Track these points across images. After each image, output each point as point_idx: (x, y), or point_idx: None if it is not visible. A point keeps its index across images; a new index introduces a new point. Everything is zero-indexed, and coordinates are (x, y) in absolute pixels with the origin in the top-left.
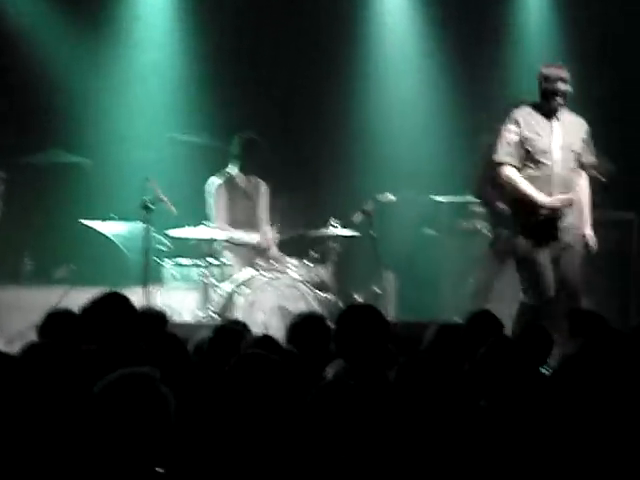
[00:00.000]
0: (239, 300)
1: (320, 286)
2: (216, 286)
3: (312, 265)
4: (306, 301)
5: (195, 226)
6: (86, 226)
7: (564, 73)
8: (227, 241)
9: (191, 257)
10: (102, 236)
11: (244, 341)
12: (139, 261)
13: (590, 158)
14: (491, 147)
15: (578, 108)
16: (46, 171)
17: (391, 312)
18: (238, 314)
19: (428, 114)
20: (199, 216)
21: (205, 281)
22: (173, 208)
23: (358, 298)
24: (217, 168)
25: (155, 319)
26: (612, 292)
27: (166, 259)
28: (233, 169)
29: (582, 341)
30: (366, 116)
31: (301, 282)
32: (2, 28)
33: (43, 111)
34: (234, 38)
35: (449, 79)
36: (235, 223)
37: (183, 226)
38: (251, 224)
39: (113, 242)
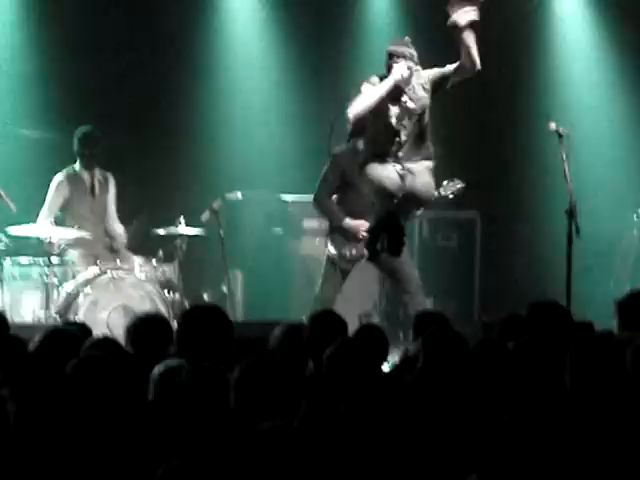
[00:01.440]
0: (82, 300)
1: (166, 285)
2: (59, 285)
3: (158, 264)
4: (151, 301)
5: (30, 223)
6: None
7: (408, 50)
8: (69, 238)
9: (32, 255)
10: None
11: (84, 342)
12: None
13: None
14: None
15: None
16: None
17: (239, 312)
18: (80, 314)
19: (278, 112)
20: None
21: (47, 280)
22: (12, 205)
23: (205, 298)
24: (64, 163)
25: None
26: (456, 291)
27: (6, 257)
28: (77, 164)
29: (422, 341)
30: (217, 113)
31: (146, 281)
32: None
33: None
34: (77, 29)
35: (298, 76)
36: (81, 219)
37: (25, 223)
38: (100, 219)
39: None
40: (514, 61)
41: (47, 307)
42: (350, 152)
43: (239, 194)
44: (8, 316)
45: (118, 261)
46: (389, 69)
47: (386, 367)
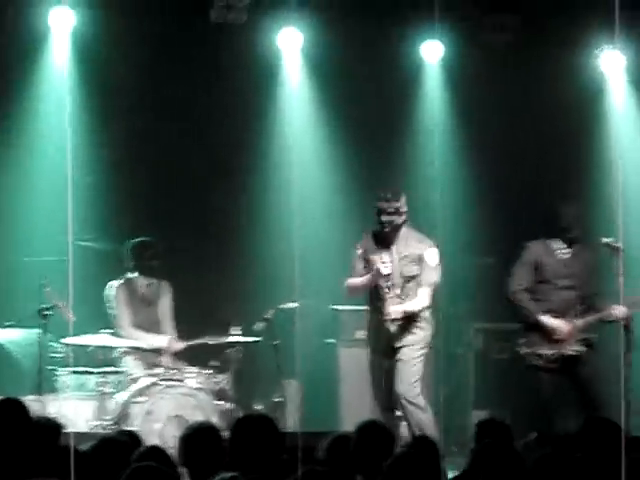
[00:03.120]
0: (135, 409)
1: (219, 395)
2: (113, 394)
3: (211, 373)
4: (204, 410)
5: (94, 333)
6: None
7: (390, 205)
8: (128, 347)
9: (88, 365)
10: None
11: (134, 452)
12: (34, 369)
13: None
14: None
15: None
16: None
17: (292, 422)
18: (135, 424)
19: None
20: (98, 323)
21: (101, 390)
22: (71, 315)
23: (258, 407)
24: (117, 273)
25: (49, 429)
26: (512, 404)
27: (62, 367)
28: (131, 273)
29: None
30: (273, 228)
31: (200, 391)
32: None
33: None
34: (133, 143)
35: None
36: (137, 328)
37: (82, 333)
38: (154, 329)
39: (7, 350)
40: None
41: (102, 417)
42: (542, 242)
43: (293, 304)
44: (63, 425)
45: (172, 371)
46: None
47: None
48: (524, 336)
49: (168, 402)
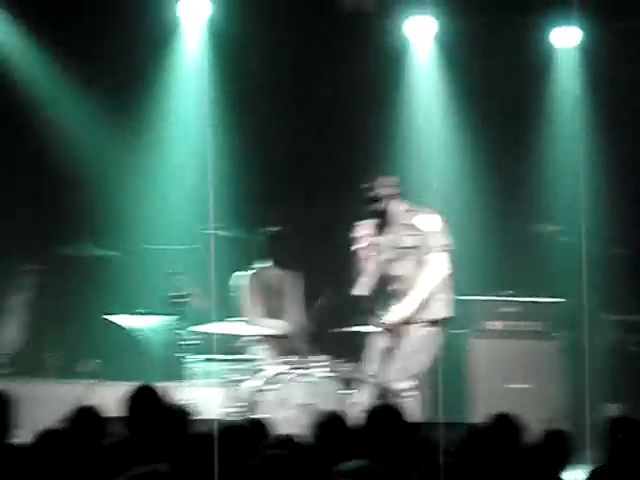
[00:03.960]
0: (266, 396)
1: (350, 384)
2: (243, 382)
3: (342, 361)
4: (334, 399)
5: (222, 321)
6: (111, 321)
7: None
8: (254, 335)
9: (219, 352)
10: (127, 330)
11: (265, 440)
12: (165, 356)
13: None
14: None
15: None
16: (75, 263)
17: (423, 412)
18: (265, 411)
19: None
20: (226, 311)
21: (231, 377)
22: (201, 302)
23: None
24: (244, 262)
25: (179, 415)
26: None
27: (192, 354)
28: (262, 263)
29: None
30: None
31: (330, 379)
32: (35, 112)
33: (74, 201)
34: (262, 131)
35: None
36: (267, 316)
37: (210, 321)
38: (286, 317)
39: (138, 337)
40: None
41: (232, 404)
42: None
43: None
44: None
45: (303, 358)
46: None
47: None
48: None
49: (299, 390)
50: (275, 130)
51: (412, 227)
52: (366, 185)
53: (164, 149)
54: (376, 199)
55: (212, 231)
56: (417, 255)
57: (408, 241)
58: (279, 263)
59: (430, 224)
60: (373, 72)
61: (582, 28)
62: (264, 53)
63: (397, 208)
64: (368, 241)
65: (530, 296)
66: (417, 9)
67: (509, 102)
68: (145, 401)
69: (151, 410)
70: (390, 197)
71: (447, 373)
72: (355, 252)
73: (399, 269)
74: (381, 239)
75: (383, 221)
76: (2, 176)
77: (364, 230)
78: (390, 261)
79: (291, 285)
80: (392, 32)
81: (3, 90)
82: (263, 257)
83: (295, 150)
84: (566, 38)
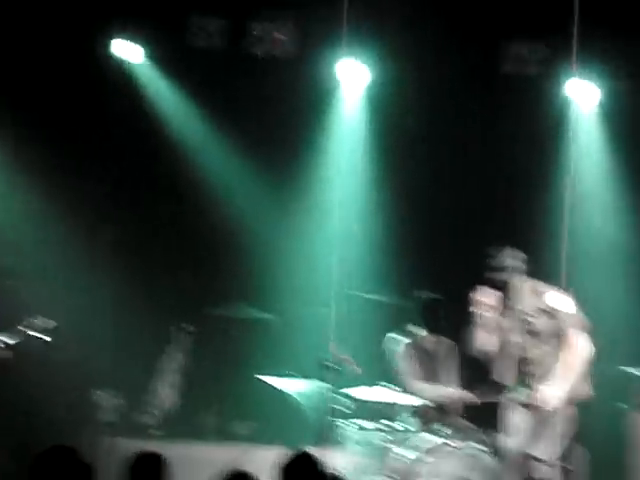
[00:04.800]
0: (422, 469)
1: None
2: (395, 451)
3: (492, 432)
4: (489, 473)
5: (371, 386)
6: (266, 383)
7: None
8: (413, 404)
9: (371, 419)
10: (282, 393)
11: None
12: (317, 421)
13: None
14: None
15: None
16: (232, 325)
17: None
18: None
19: None
20: (377, 375)
21: (385, 445)
22: (357, 368)
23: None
24: (394, 326)
25: None
26: None
27: (346, 420)
28: (417, 329)
29: None
30: None
31: (483, 452)
32: (199, 175)
33: (233, 265)
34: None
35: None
36: (422, 385)
37: (360, 386)
38: (440, 387)
39: (293, 400)
40: None
41: (384, 472)
42: None
43: None
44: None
45: (455, 429)
46: None
47: None
48: None
49: (455, 463)
50: (428, 190)
51: (543, 308)
52: (492, 253)
53: (322, 213)
54: (500, 269)
55: (361, 294)
56: (554, 337)
57: (542, 323)
58: (434, 330)
59: (563, 304)
60: (535, 129)
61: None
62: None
63: (521, 283)
64: (493, 311)
65: None
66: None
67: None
68: (302, 469)
69: (308, 478)
70: (515, 270)
71: (608, 448)
72: (474, 314)
73: (535, 352)
74: (507, 319)
75: (505, 293)
76: (166, 238)
77: (488, 298)
78: (523, 344)
79: (446, 353)
80: (554, 92)
81: (171, 154)
82: (414, 323)
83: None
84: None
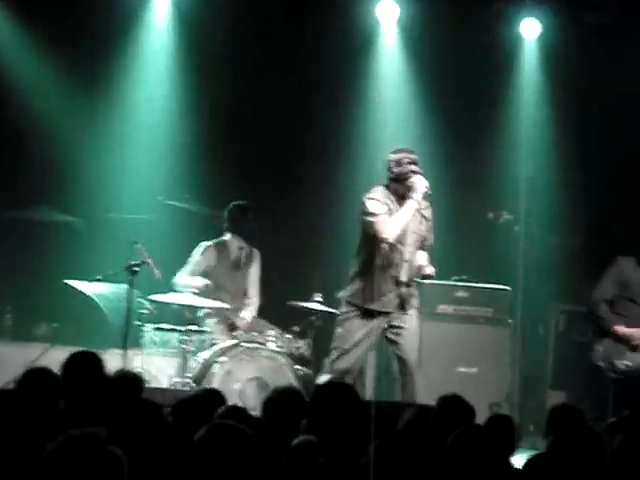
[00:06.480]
0: (217, 369)
1: (299, 360)
2: (195, 353)
3: (293, 338)
4: (283, 374)
5: (175, 291)
6: (69, 286)
7: (415, 156)
8: (211, 308)
9: (173, 323)
10: (86, 296)
11: (216, 411)
12: (121, 323)
13: (431, 238)
14: None
15: None
16: (33, 227)
17: (369, 391)
18: (214, 383)
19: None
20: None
21: (185, 348)
22: (158, 272)
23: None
24: (210, 235)
25: (131, 383)
26: (590, 388)
27: (148, 323)
28: (225, 236)
29: (553, 439)
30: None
31: (280, 354)
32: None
33: (33, 166)
34: (230, 103)
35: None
36: (222, 289)
37: (169, 291)
38: (240, 292)
39: (96, 303)
40: None
41: (183, 374)
42: (631, 259)
43: None
44: (146, 380)
45: (254, 333)
46: (399, 178)
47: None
48: (599, 346)
49: (248, 364)
50: (240, 104)
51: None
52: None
53: (128, 121)
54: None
55: (172, 202)
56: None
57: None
58: (241, 235)
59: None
60: (341, 53)
61: (543, 21)
62: (228, 27)
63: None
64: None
65: (483, 282)
66: None
67: (472, 91)
68: (82, 367)
69: (90, 376)
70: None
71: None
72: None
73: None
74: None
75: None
76: None
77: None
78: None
79: (250, 262)
80: (361, 14)
81: None
82: (226, 230)
83: (257, 120)
84: (532, 29)
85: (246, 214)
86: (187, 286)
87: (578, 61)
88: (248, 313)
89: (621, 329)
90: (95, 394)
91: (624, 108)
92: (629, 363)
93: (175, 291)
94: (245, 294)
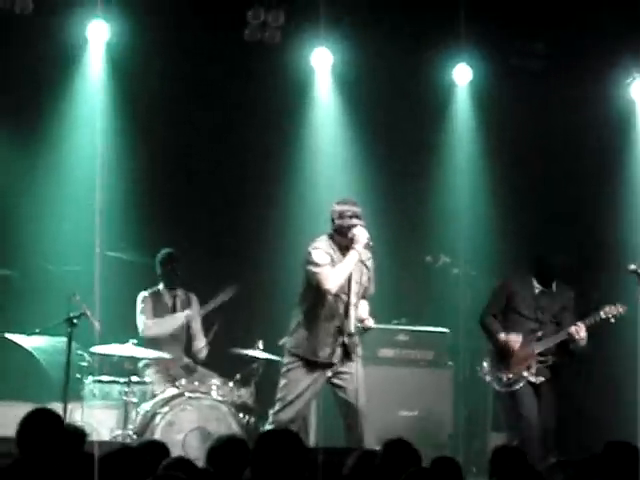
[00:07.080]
0: (159, 420)
1: (242, 408)
2: (137, 404)
3: (235, 386)
4: (226, 423)
5: (122, 343)
6: (9, 340)
7: (358, 209)
8: (152, 359)
9: (113, 375)
10: (25, 350)
11: (161, 462)
12: (61, 377)
13: (372, 288)
14: None
15: None
16: None
17: (312, 438)
18: (157, 434)
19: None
20: (126, 333)
21: (126, 399)
22: (97, 324)
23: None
24: (147, 285)
25: (74, 436)
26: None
27: (88, 376)
28: (159, 285)
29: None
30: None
31: (223, 403)
32: None
33: None
34: (165, 149)
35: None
36: (159, 339)
37: (109, 343)
38: (179, 339)
39: (35, 357)
40: None
41: (125, 426)
42: (520, 276)
43: None
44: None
45: (196, 382)
46: (340, 229)
47: None
48: (485, 360)
49: (190, 413)
50: (176, 153)
51: (366, 266)
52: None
53: (63, 170)
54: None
55: (109, 253)
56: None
57: (365, 280)
58: (170, 284)
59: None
60: (278, 102)
61: (474, 66)
62: (166, 77)
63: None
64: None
65: (423, 325)
66: (317, 42)
67: (407, 137)
68: (40, 424)
69: (46, 432)
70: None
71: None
72: None
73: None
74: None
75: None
76: None
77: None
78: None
79: (187, 306)
80: (296, 63)
81: None
82: (159, 279)
83: (196, 171)
84: (463, 75)
85: (172, 262)
86: (165, 329)
87: (508, 104)
88: (199, 342)
89: (503, 336)
90: (44, 449)
91: (555, 149)
92: (510, 375)
93: (146, 340)
94: (183, 341)
